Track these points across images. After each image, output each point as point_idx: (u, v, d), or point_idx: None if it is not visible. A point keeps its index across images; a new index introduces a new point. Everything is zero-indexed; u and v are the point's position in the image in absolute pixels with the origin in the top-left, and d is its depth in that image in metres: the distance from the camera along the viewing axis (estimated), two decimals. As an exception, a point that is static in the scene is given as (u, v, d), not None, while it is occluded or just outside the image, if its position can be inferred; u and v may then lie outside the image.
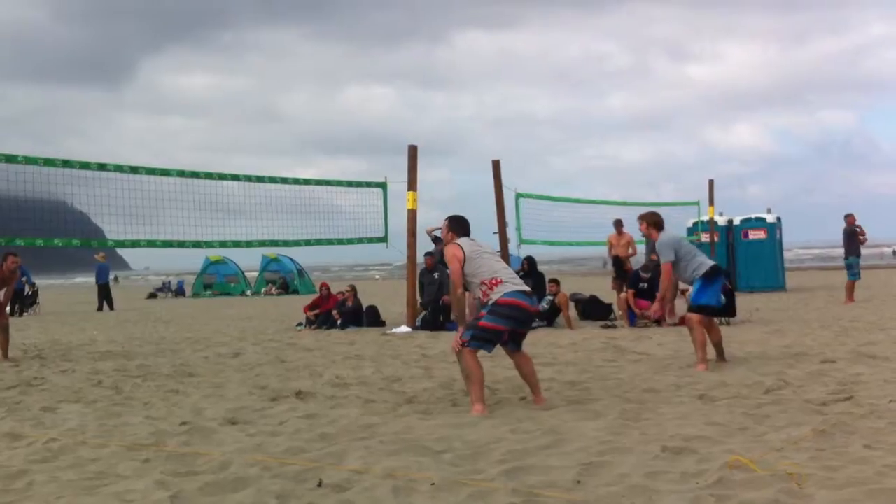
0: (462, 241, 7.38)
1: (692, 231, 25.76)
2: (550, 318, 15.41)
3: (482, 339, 7.01)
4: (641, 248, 19.11)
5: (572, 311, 15.85)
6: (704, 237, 25.11)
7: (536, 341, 12.83)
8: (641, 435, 5.84)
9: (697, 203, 26.07)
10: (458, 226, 7.60)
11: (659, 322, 14.04)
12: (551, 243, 20.16)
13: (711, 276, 9.33)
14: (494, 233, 17.81)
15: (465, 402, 7.40)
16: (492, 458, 5.35)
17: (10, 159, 10.81)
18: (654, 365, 9.65)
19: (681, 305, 11.59)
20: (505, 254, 17.66)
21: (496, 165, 17.56)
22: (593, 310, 16.71)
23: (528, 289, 7.28)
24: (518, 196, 18.55)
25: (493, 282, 7.08)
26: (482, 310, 7.10)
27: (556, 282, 15.96)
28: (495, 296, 7.02)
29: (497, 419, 6.64)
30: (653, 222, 9.63)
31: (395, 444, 5.79)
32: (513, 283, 7.13)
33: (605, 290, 20.96)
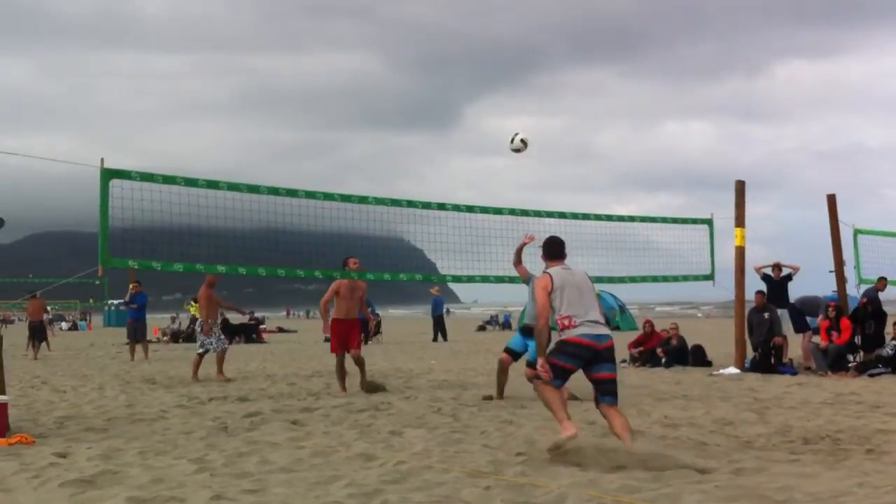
0: (554, 270, 7.30)
1: None
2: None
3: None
4: None
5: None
6: None
7: (882, 389, 11.98)
8: None
9: None
10: (549, 249, 7.60)
11: None
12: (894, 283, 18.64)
13: None
14: (830, 271, 16.84)
15: (805, 451, 7.10)
16: (837, 512, 5.11)
17: (363, 200, 11.88)
18: None
19: None
20: (842, 293, 16.64)
21: (831, 200, 16.64)
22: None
23: (600, 330, 7.12)
24: (856, 232, 17.41)
25: (569, 321, 7.02)
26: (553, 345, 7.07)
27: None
28: (564, 334, 6.99)
29: (841, 471, 6.30)
30: None
31: (732, 489, 5.68)
32: (586, 325, 7.03)
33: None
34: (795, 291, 17.03)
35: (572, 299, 7.15)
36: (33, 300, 24.29)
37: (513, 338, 11.59)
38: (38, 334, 22.45)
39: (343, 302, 12.18)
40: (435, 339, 30.33)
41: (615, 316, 40.14)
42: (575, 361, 7.05)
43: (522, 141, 11.90)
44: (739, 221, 15.53)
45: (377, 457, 7.18)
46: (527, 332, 10.84)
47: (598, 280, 16.44)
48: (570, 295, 7.16)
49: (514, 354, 11.15)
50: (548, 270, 7.40)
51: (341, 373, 12.27)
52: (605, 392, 7.04)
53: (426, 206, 12.41)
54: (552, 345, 7.08)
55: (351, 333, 12.25)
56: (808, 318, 16.55)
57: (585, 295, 7.30)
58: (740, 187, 15.75)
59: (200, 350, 14.67)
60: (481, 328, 44.72)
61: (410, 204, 12.26)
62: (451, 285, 18.62)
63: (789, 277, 16.75)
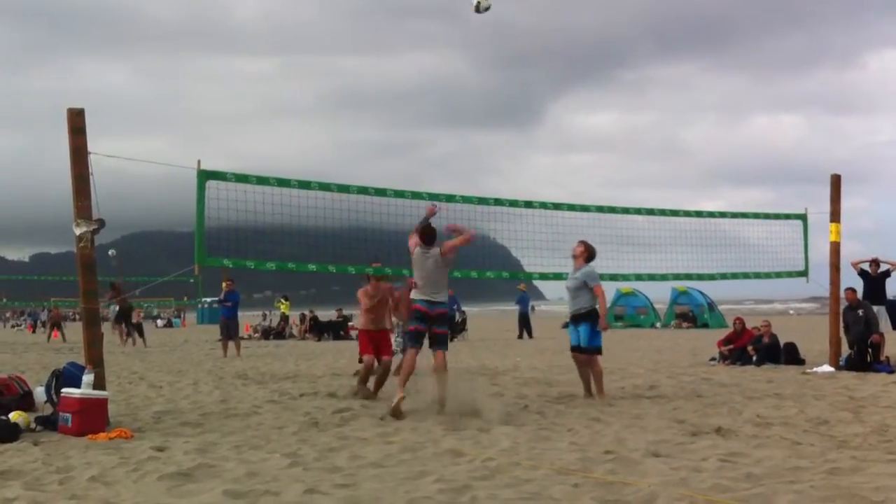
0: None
1: None
2: None
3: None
4: None
5: None
6: None
7: None
8: None
9: None
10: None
11: None
12: None
13: None
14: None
15: (904, 452, 6.92)
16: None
17: (450, 198, 11.95)
18: None
19: None
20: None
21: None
22: None
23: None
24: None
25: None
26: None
27: None
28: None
29: (942, 472, 6.11)
30: None
31: (827, 490, 5.57)
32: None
33: None
34: (894, 288, 16.54)
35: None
36: (132, 310, 28.91)
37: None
38: (139, 330, 27.59)
39: (365, 313, 11.49)
40: (520, 337, 30.29)
41: (703, 313, 39.54)
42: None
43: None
44: (835, 216, 15.14)
45: (465, 453, 7.23)
46: (572, 321, 11.28)
47: (687, 277, 16.26)
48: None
49: (578, 349, 11.10)
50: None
51: (365, 375, 11.49)
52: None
53: (513, 203, 12.42)
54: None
55: (381, 343, 11.51)
56: (908, 316, 16.06)
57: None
58: (836, 181, 15.34)
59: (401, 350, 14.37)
60: (566, 325, 44.45)
61: (497, 202, 12.28)
62: (537, 283, 18.57)
63: (888, 274, 16.27)
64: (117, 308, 27.42)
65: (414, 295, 9.85)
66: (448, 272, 10.04)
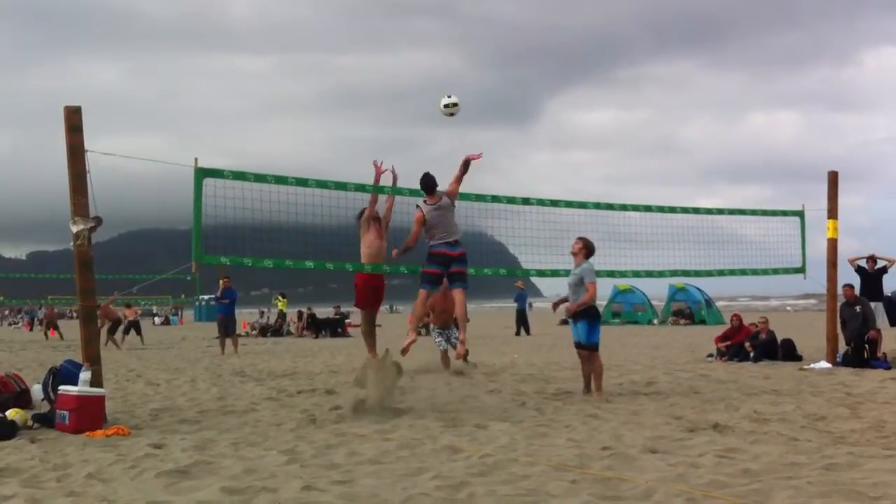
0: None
1: None
2: None
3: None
4: None
5: None
6: None
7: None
8: None
9: None
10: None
11: None
12: None
13: None
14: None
15: (901, 448, 6.93)
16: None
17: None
18: None
19: None
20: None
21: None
22: None
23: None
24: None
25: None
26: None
27: None
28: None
29: (940, 468, 6.12)
30: None
31: (824, 485, 5.58)
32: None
33: None
34: (890, 284, 16.57)
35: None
36: (129, 307, 29.92)
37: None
38: (136, 328, 27.79)
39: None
40: (518, 333, 30.32)
41: (701, 309, 39.55)
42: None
43: (450, 106, 11.09)
44: (832, 213, 15.14)
45: (463, 450, 7.24)
46: (571, 317, 11.35)
47: (685, 273, 16.25)
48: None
49: (579, 345, 11.10)
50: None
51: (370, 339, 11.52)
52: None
53: (511, 200, 12.38)
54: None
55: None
56: (905, 312, 16.08)
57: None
58: (833, 178, 15.34)
59: (444, 346, 14.39)
60: (564, 322, 44.41)
61: (495, 199, 12.25)
62: (534, 279, 18.55)
63: (884, 270, 16.29)
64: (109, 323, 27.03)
65: (433, 242, 10.25)
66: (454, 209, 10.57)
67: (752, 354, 16.29)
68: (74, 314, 47.41)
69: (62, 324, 37.81)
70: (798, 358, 16.14)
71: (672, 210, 14.72)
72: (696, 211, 15.29)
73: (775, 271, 16.07)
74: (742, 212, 15.96)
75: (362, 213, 11.02)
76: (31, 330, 46.66)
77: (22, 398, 9.79)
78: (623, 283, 40.21)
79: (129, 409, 10.12)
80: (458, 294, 10.44)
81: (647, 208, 14.29)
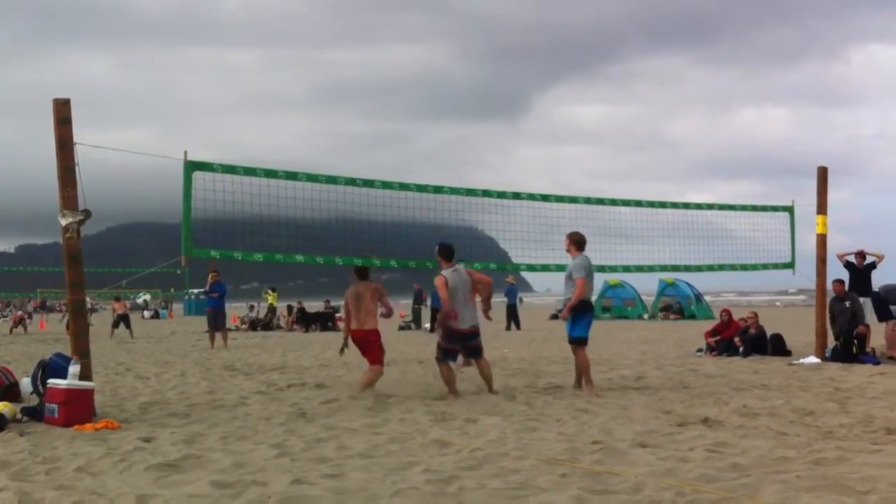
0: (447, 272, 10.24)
1: None
2: None
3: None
4: None
5: None
6: None
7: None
8: None
9: None
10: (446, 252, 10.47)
11: None
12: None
13: None
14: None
15: (888, 442, 6.96)
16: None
17: (438, 190, 11.94)
18: None
19: None
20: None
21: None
22: None
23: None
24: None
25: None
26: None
27: None
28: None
29: (927, 462, 6.15)
30: None
31: (813, 480, 5.60)
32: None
33: None
34: (879, 279, 16.62)
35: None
36: (118, 301, 30.46)
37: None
38: (125, 322, 27.90)
39: (352, 313, 10.94)
40: (508, 328, 30.33)
41: (690, 304, 39.65)
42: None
43: None
44: (821, 209, 15.18)
45: (453, 443, 7.24)
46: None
47: (675, 268, 16.28)
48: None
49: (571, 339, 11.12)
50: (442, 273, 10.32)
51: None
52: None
53: (501, 195, 12.41)
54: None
55: (365, 347, 10.88)
56: (893, 307, 16.11)
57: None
58: (822, 173, 15.37)
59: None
60: (554, 317, 44.51)
61: (486, 193, 12.28)
62: (525, 274, 18.58)
63: (873, 266, 16.34)
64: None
65: (453, 323, 10.29)
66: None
67: (741, 349, 16.32)
68: (63, 307, 47.27)
69: (51, 317, 37.70)
70: (787, 353, 16.18)
71: (662, 205, 14.77)
72: (687, 206, 15.35)
73: (765, 266, 16.14)
74: (732, 207, 16.01)
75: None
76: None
77: (11, 391, 9.77)
78: (613, 277, 40.27)
79: (118, 403, 10.10)
80: (483, 364, 10.75)
81: (638, 203, 14.34)
